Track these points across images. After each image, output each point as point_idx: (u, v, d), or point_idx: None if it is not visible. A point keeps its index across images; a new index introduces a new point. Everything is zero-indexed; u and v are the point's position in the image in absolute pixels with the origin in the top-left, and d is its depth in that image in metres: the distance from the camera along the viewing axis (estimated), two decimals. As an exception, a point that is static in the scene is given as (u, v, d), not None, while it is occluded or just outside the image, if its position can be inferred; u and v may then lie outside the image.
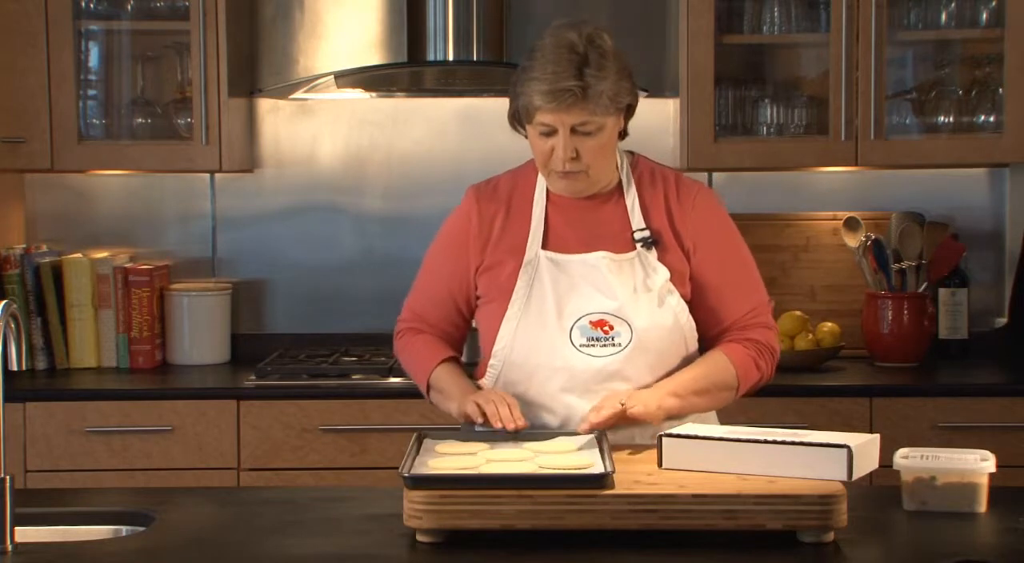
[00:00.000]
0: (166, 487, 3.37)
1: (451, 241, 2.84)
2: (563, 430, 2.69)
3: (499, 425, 2.58)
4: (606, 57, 2.63)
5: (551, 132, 2.65)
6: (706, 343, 2.79)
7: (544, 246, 2.74)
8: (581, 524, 2.24)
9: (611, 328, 2.68)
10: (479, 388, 2.79)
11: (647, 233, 2.73)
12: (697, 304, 2.76)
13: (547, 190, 2.78)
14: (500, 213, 2.79)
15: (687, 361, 2.76)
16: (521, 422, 2.59)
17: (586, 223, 2.75)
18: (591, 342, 2.68)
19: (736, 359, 2.73)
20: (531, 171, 2.82)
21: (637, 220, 2.74)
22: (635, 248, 2.72)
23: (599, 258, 2.71)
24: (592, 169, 2.69)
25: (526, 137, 2.74)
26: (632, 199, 2.76)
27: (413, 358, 2.86)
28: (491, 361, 2.75)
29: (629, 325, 2.68)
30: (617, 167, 2.79)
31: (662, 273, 2.71)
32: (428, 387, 2.82)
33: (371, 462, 3.81)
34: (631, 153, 2.85)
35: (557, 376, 2.70)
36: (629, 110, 2.73)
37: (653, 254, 2.72)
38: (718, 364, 2.73)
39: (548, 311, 2.70)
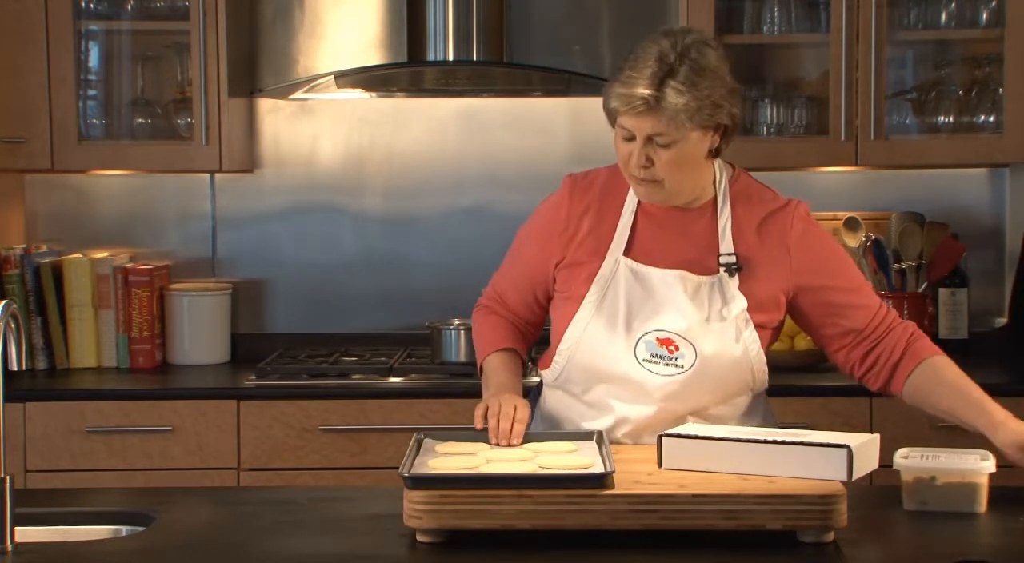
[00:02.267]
0: (166, 487, 3.37)
1: (539, 230, 2.81)
2: (564, 431, 2.69)
3: (494, 441, 2.57)
4: (700, 72, 2.56)
5: (631, 137, 2.60)
6: (842, 357, 2.76)
7: (627, 253, 2.70)
8: (581, 524, 2.24)
9: (676, 348, 2.64)
10: (539, 382, 2.80)
11: (733, 258, 2.67)
12: (827, 324, 2.72)
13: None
14: (591, 210, 2.74)
15: (753, 393, 2.74)
16: (516, 442, 2.56)
17: (673, 236, 2.70)
18: (654, 359, 2.65)
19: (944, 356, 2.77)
20: None
21: (726, 243, 2.68)
22: (718, 272, 2.67)
23: (677, 277, 2.66)
24: (667, 182, 2.62)
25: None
26: (725, 220, 2.69)
27: (478, 338, 2.88)
28: (556, 358, 2.74)
29: (695, 349, 2.64)
30: (715, 182, 2.72)
31: (739, 302, 2.66)
32: (481, 369, 2.84)
33: (371, 462, 3.81)
34: (732, 167, 2.77)
35: (615, 385, 2.68)
36: (727, 129, 2.65)
37: (735, 281, 2.66)
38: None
39: (618, 320, 2.67)
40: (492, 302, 2.90)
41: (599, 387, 2.71)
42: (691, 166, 2.63)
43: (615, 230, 2.72)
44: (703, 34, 2.65)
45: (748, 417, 2.76)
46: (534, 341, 2.91)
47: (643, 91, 2.54)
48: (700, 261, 2.68)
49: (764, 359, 2.70)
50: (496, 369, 2.79)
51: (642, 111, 2.55)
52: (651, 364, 2.65)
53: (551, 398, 2.81)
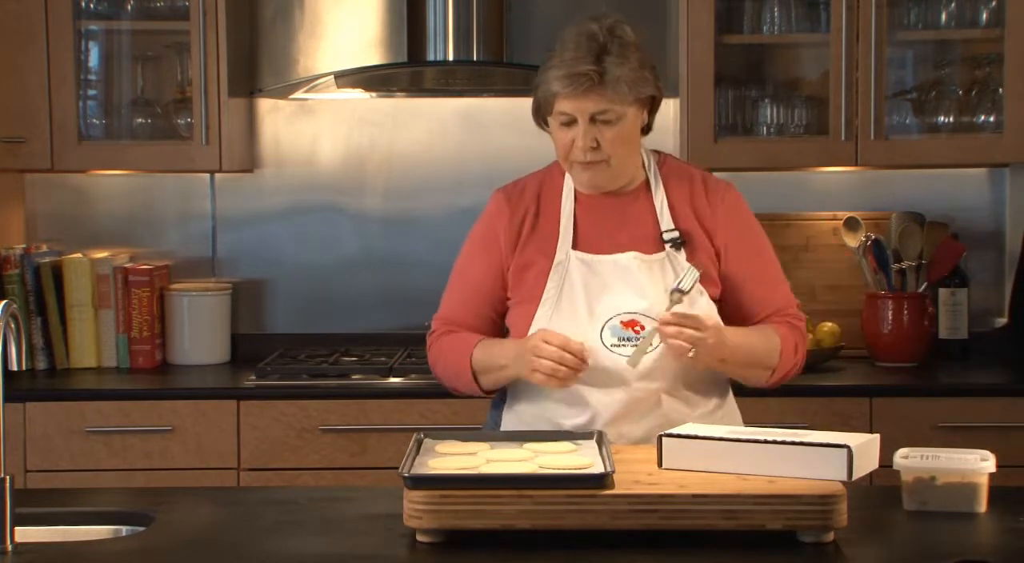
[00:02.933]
0: (166, 487, 3.37)
1: (481, 244, 2.83)
2: (564, 431, 2.69)
3: (556, 383, 2.59)
4: (627, 47, 2.66)
5: (571, 121, 2.66)
6: None
7: (574, 246, 2.74)
8: (581, 524, 2.24)
9: (642, 328, 2.68)
10: (503, 389, 2.82)
11: (676, 234, 2.73)
12: (729, 303, 2.76)
13: (575, 190, 2.78)
14: (529, 214, 2.79)
15: (715, 374, 2.76)
16: (585, 361, 2.58)
17: (615, 223, 2.75)
18: (622, 342, 2.68)
19: (783, 342, 2.74)
20: (557, 172, 2.82)
21: (666, 221, 2.74)
22: (664, 249, 2.72)
23: (630, 258, 2.71)
24: (614, 159, 2.69)
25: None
26: (660, 199, 2.76)
27: (447, 359, 2.83)
28: None
29: None
30: (644, 165, 2.79)
31: (692, 274, 2.70)
32: (474, 375, 2.78)
33: (371, 462, 3.81)
34: (657, 152, 2.84)
35: (587, 376, 2.68)
36: (653, 103, 2.73)
37: (682, 255, 2.72)
38: (770, 343, 2.73)
39: (579, 311, 2.70)
40: (445, 326, 2.87)
41: None
42: (632, 143, 2.71)
43: (558, 227, 2.76)
44: (618, 15, 2.75)
45: (714, 406, 2.78)
46: None
47: (586, 67, 2.62)
48: (646, 241, 2.73)
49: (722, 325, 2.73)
50: (493, 351, 2.75)
51: (588, 88, 2.62)
52: (620, 348, 2.68)
53: (521, 401, 2.80)
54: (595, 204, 2.77)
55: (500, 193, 2.86)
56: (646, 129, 2.76)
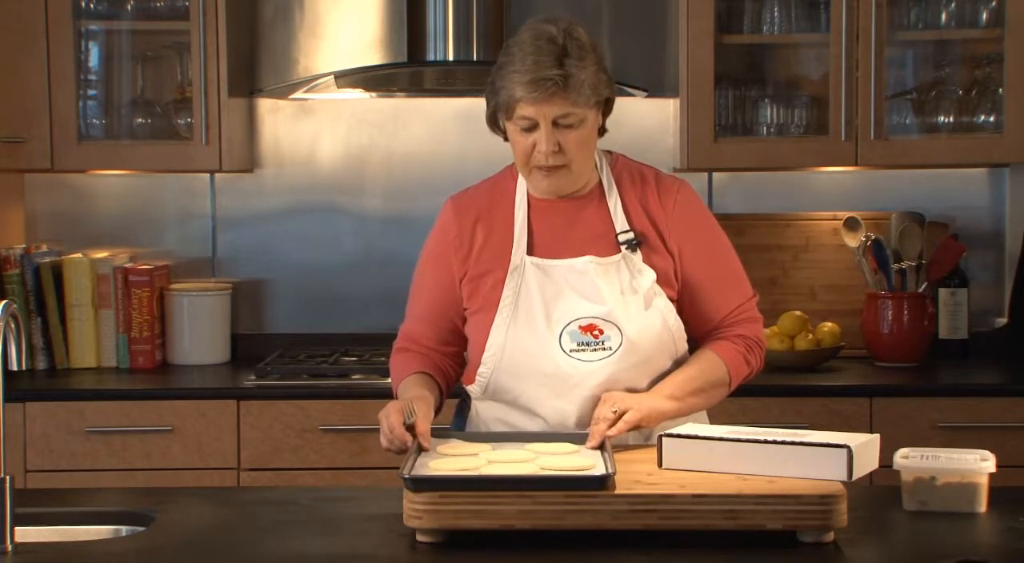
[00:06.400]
0: (166, 487, 3.37)
1: (433, 257, 2.82)
2: (565, 432, 2.69)
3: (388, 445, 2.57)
4: (584, 48, 2.62)
5: (532, 126, 2.62)
6: (696, 341, 2.77)
7: (529, 252, 2.72)
8: (581, 524, 2.24)
9: (601, 332, 2.66)
10: (464, 399, 2.81)
11: (631, 235, 2.70)
12: (685, 303, 2.74)
13: (528, 195, 2.75)
14: (481, 221, 2.77)
15: (677, 362, 2.74)
16: (406, 438, 2.54)
17: (569, 227, 2.73)
18: (581, 347, 2.66)
19: (726, 356, 2.72)
20: (509, 178, 2.80)
21: (620, 222, 2.71)
22: (620, 250, 2.70)
23: (586, 263, 2.68)
24: (575, 164, 2.66)
25: (505, 139, 2.73)
26: (614, 200, 2.73)
27: (393, 378, 2.86)
28: (480, 369, 2.72)
29: (619, 329, 2.65)
30: (596, 167, 2.76)
31: (648, 275, 2.69)
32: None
33: (371, 462, 3.81)
34: (609, 153, 2.82)
35: (548, 382, 2.67)
36: (607, 105, 2.70)
37: (638, 256, 2.70)
38: (711, 362, 2.72)
39: (537, 317, 2.68)
40: (403, 342, 2.87)
41: (531, 387, 2.69)
42: (592, 144, 2.69)
43: (512, 234, 2.73)
44: (571, 17, 2.72)
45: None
46: (456, 374, 2.85)
47: (551, 72, 2.58)
48: (602, 244, 2.71)
49: (682, 326, 2.73)
50: (406, 387, 2.76)
51: (553, 93, 2.59)
52: (579, 353, 2.66)
53: (484, 410, 2.78)
54: (549, 208, 2.74)
55: (448, 203, 2.84)
56: (601, 131, 2.72)
